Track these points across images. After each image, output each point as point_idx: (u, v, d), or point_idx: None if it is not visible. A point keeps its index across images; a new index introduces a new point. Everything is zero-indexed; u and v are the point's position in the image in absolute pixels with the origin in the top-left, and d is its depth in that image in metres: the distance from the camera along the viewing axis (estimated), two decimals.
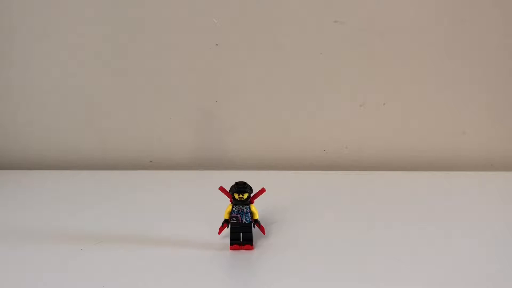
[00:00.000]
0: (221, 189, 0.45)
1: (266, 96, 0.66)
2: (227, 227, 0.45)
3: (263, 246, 0.46)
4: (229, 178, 0.46)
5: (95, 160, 0.70)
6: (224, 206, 0.45)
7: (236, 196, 0.44)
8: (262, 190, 0.45)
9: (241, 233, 0.45)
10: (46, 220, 0.52)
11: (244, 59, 0.65)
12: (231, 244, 0.45)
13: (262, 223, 0.46)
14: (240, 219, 0.45)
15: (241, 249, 0.45)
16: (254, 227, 0.45)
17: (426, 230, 0.49)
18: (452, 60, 0.64)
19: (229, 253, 0.45)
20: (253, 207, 0.45)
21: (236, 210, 0.44)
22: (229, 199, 0.45)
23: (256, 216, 0.45)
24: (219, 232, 0.45)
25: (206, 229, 0.48)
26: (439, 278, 0.41)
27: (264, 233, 0.46)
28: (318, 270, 0.42)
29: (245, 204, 0.44)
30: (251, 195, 0.45)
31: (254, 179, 0.46)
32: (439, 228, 0.49)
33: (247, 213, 0.45)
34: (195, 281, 0.41)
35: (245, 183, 0.45)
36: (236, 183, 0.45)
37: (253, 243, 0.45)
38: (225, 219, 0.45)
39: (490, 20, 0.62)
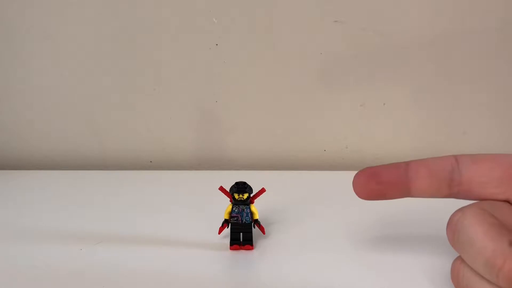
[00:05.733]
0: (221, 189, 0.45)
1: (266, 96, 0.66)
2: (227, 227, 0.45)
3: (263, 246, 0.46)
4: (229, 178, 0.46)
5: (95, 160, 0.70)
6: (224, 206, 0.45)
7: (236, 196, 0.44)
8: (262, 190, 0.45)
9: (241, 233, 0.45)
10: (46, 220, 0.52)
11: (244, 59, 0.65)
12: (231, 244, 0.45)
13: (262, 223, 0.46)
14: (240, 219, 0.45)
15: (241, 249, 0.45)
16: (254, 227, 0.45)
17: (426, 229, 0.49)
18: (452, 60, 0.64)
19: (229, 253, 0.45)
20: (253, 207, 0.45)
21: (236, 210, 0.44)
22: (229, 199, 0.45)
23: (256, 216, 0.45)
24: (219, 232, 0.45)
25: (206, 229, 0.48)
26: (441, 277, 0.41)
27: (264, 233, 0.46)
28: (318, 270, 0.42)
29: (245, 204, 0.44)
30: (251, 195, 0.45)
31: (254, 179, 0.46)
32: (440, 227, 0.49)
33: (247, 213, 0.45)
34: (195, 281, 0.41)
35: (245, 183, 0.45)
36: (236, 183, 0.45)
37: (253, 243, 0.45)
38: (225, 219, 0.45)
39: (490, 19, 0.62)
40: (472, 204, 0.34)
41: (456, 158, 0.36)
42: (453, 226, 0.33)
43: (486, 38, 0.63)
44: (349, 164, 0.67)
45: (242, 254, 0.45)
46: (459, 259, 0.35)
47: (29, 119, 0.69)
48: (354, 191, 0.36)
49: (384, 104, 0.66)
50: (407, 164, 0.37)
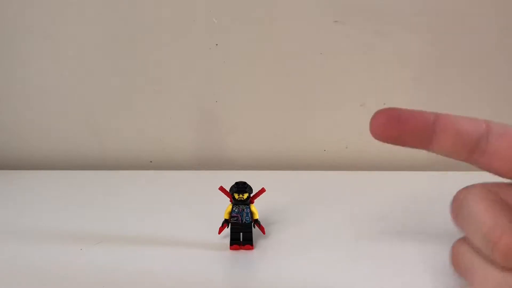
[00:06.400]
0: (221, 189, 0.45)
1: (266, 96, 0.66)
2: (227, 227, 0.45)
3: (263, 246, 0.46)
4: (229, 178, 0.46)
5: (95, 160, 0.70)
6: (224, 206, 0.45)
7: (236, 196, 0.44)
8: (262, 190, 0.45)
9: (241, 233, 0.45)
10: (46, 220, 0.52)
11: (244, 59, 0.65)
12: (231, 244, 0.45)
13: (262, 223, 0.46)
14: (240, 219, 0.45)
15: (241, 249, 0.45)
16: (254, 227, 0.45)
17: (426, 229, 0.49)
18: (452, 60, 0.64)
19: (229, 253, 0.45)
20: (253, 207, 0.45)
21: (236, 210, 0.44)
22: (229, 199, 0.45)
23: (256, 216, 0.45)
24: (219, 232, 0.45)
25: (206, 229, 0.48)
26: (442, 277, 0.41)
27: (264, 233, 0.46)
28: (318, 270, 0.42)
29: (245, 204, 0.44)
30: (251, 195, 0.45)
31: (254, 179, 0.46)
32: (439, 228, 0.49)
33: (247, 213, 0.44)
34: (195, 281, 0.41)
35: (245, 183, 0.45)
36: (236, 183, 0.45)
37: (253, 243, 0.45)
38: (225, 219, 0.45)
39: (490, 19, 0.62)
40: (479, 183, 0.34)
41: (488, 124, 0.33)
42: (457, 202, 0.33)
43: (487, 37, 0.63)
44: (349, 164, 0.67)
45: (242, 254, 0.45)
46: (459, 241, 0.34)
47: (29, 119, 0.69)
48: (370, 129, 0.33)
49: (384, 104, 0.66)
50: (436, 116, 0.34)
